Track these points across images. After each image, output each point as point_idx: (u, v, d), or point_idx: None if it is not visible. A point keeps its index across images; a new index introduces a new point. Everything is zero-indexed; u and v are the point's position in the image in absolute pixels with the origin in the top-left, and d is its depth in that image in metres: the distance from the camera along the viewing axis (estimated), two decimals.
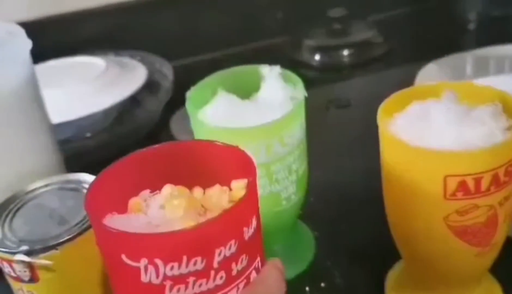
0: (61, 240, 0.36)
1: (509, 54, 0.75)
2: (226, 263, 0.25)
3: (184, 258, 0.24)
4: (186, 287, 0.25)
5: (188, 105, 0.42)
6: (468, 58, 0.76)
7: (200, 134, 0.42)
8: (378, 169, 0.39)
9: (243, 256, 0.26)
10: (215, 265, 0.25)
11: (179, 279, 0.25)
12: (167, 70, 0.76)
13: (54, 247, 0.36)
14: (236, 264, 0.26)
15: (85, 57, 0.75)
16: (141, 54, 0.81)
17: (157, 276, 0.25)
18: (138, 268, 0.25)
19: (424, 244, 0.37)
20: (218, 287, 0.26)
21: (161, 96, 0.71)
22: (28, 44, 0.49)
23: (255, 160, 0.29)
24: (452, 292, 0.40)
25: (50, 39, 0.79)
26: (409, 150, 0.33)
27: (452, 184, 0.33)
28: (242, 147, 0.39)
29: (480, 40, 0.84)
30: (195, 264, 0.25)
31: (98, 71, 0.70)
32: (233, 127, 0.39)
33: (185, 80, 0.79)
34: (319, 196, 0.54)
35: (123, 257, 0.25)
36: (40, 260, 0.36)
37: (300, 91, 0.42)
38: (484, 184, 0.33)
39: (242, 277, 0.27)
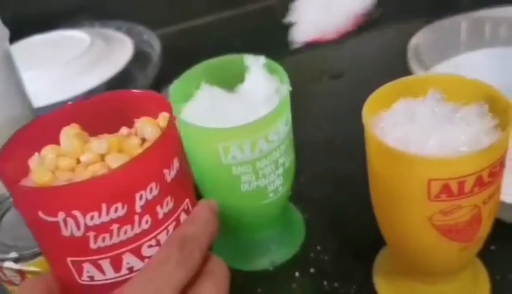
0: None
1: (505, 17, 0.73)
2: (149, 207, 0.25)
3: (103, 206, 0.24)
4: (111, 236, 0.24)
5: (172, 100, 0.41)
6: (463, 22, 0.74)
7: (183, 132, 0.41)
8: None
9: (168, 198, 0.26)
10: (138, 209, 0.24)
11: (101, 228, 0.24)
12: (154, 42, 0.74)
13: (41, 253, 0.36)
14: (161, 207, 0.25)
15: (68, 32, 0.73)
16: (128, 25, 0.79)
17: (78, 228, 0.24)
18: (57, 223, 0.24)
19: (408, 239, 0.37)
20: (146, 232, 0.25)
21: (149, 71, 0.70)
22: (5, 33, 0.47)
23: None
24: (436, 280, 0.41)
25: (29, 12, 0.77)
26: (393, 154, 0.33)
27: (436, 187, 0.33)
28: (226, 146, 0.39)
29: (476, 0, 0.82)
30: (116, 210, 0.24)
31: (83, 48, 0.68)
32: (217, 127, 0.39)
33: (173, 49, 0.78)
34: (309, 176, 0.54)
35: (40, 214, 0.24)
36: (29, 267, 0.36)
37: (284, 85, 0.41)
38: (467, 186, 0.33)
39: (171, 220, 0.26)
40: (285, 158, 0.42)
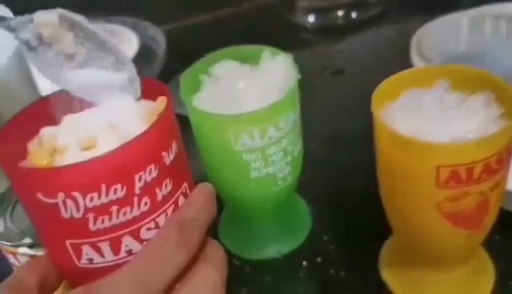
0: None
1: (506, 13, 0.74)
2: (148, 189, 0.25)
3: (103, 187, 0.24)
4: (110, 217, 0.24)
5: (182, 89, 0.42)
6: (464, 18, 0.75)
7: (195, 119, 0.42)
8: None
9: (167, 181, 0.26)
10: (137, 191, 0.24)
11: (101, 210, 0.24)
12: (159, 38, 0.75)
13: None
14: (160, 189, 0.26)
15: None
16: (133, 20, 0.80)
17: (78, 210, 0.24)
18: (57, 205, 0.24)
19: (416, 227, 0.38)
20: (145, 214, 0.25)
21: (154, 66, 0.71)
22: None
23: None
24: (442, 268, 0.42)
25: (34, 7, 0.78)
26: (402, 141, 0.34)
27: (445, 173, 0.33)
28: (236, 132, 0.40)
29: None
30: (115, 192, 0.24)
31: None
32: (228, 114, 0.39)
33: (178, 46, 0.78)
34: (315, 168, 0.55)
35: (39, 195, 0.24)
36: (38, 255, 0.37)
37: (294, 73, 0.42)
38: (475, 173, 0.33)
39: (169, 203, 0.26)
40: (294, 146, 0.43)
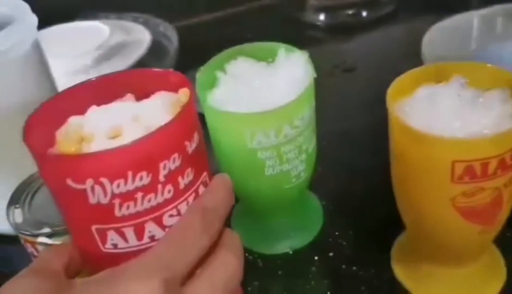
0: None
1: None
2: (172, 177, 0.26)
3: (130, 173, 0.25)
4: (135, 203, 0.25)
5: (197, 86, 0.42)
6: (475, 18, 0.75)
7: (210, 117, 0.42)
8: (386, 138, 0.39)
9: (189, 169, 0.27)
10: (161, 179, 0.25)
11: (127, 196, 0.25)
12: (171, 34, 0.75)
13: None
14: (183, 177, 0.26)
15: (87, 22, 0.74)
16: (144, 17, 0.80)
17: (105, 195, 0.25)
18: (85, 190, 0.25)
19: (429, 222, 0.38)
20: (168, 201, 0.26)
21: (166, 62, 0.71)
22: (34, 20, 0.48)
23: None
24: (455, 263, 0.42)
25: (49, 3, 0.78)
26: (418, 136, 0.34)
27: (460, 168, 0.34)
28: (252, 130, 0.40)
29: None
30: (141, 179, 0.25)
31: (103, 38, 0.69)
32: (244, 112, 0.40)
33: (189, 43, 0.79)
34: (327, 165, 0.56)
35: (69, 181, 0.25)
36: (62, 242, 0.37)
37: (309, 71, 0.42)
38: (490, 168, 0.34)
39: (191, 191, 0.27)
40: (308, 144, 0.43)
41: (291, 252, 0.48)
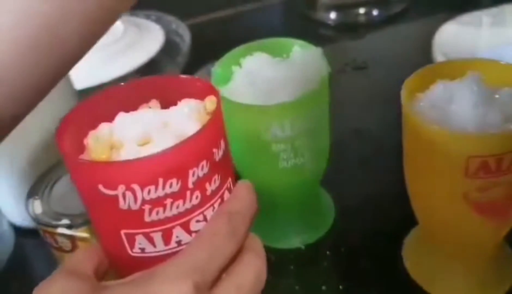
0: None
1: None
2: (200, 183, 0.27)
3: (160, 180, 0.25)
4: (164, 209, 0.26)
5: (213, 80, 0.43)
6: (486, 16, 0.75)
7: (225, 108, 0.42)
8: (397, 134, 0.39)
9: (216, 176, 0.27)
10: (190, 185, 0.26)
11: (157, 202, 0.26)
12: (183, 32, 0.76)
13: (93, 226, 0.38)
14: (210, 184, 0.27)
15: None
16: (157, 14, 0.81)
17: (136, 201, 0.25)
18: (116, 196, 0.25)
19: (442, 217, 0.39)
20: (195, 207, 0.27)
21: (179, 60, 0.72)
22: None
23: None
24: (467, 259, 0.43)
25: None
26: (433, 132, 0.34)
27: (474, 164, 0.34)
28: (267, 123, 0.41)
29: None
30: (171, 186, 0.25)
31: (117, 34, 0.70)
32: (259, 105, 0.40)
33: (201, 40, 0.80)
34: (339, 162, 0.56)
35: (100, 187, 0.25)
36: (81, 233, 0.38)
37: (324, 66, 0.43)
38: (505, 164, 0.34)
39: (217, 197, 0.28)
40: (322, 138, 0.44)
41: (303, 247, 0.49)
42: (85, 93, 0.60)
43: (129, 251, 0.27)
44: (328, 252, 0.48)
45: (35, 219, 0.39)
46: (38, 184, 0.41)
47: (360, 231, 0.50)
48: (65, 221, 0.38)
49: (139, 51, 0.69)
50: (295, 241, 0.49)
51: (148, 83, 0.32)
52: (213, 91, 0.30)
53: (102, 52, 0.67)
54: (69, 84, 0.52)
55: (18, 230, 0.53)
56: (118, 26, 0.72)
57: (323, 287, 0.46)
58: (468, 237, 0.40)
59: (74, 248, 0.39)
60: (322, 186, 0.53)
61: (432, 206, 0.39)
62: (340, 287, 0.46)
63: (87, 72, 0.62)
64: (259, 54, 0.44)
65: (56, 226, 0.38)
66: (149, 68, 0.69)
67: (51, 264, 0.43)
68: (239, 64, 0.45)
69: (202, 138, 0.26)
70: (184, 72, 0.72)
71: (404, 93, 0.37)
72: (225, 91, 0.43)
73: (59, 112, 0.52)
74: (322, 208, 0.52)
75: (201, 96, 0.30)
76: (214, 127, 0.28)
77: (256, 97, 0.42)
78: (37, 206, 0.40)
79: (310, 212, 0.51)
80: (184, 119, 0.29)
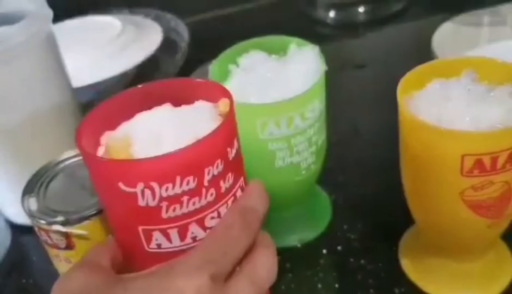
0: (94, 211, 0.38)
1: None
2: (215, 181, 0.28)
3: (178, 178, 0.26)
4: (181, 206, 0.27)
5: (210, 78, 0.43)
6: (485, 16, 0.75)
7: None
8: (394, 134, 0.40)
9: (229, 174, 0.29)
10: (206, 183, 0.27)
11: (174, 199, 0.27)
12: (182, 30, 0.76)
13: (88, 217, 0.38)
14: (224, 181, 0.28)
15: (100, 17, 0.75)
16: (156, 12, 0.81)
17: (154, 199, 0.26)
18: (135, 193, 0.26)
19: (438, 215, 0.39)
20: (210, 204, 0.28)
21: (177, 58, 0.72)
22: (49, 13, 0.49)
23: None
24: (463, 258, 0.42)
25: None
26: (428, 130, 0.34)
27: (469, 162, 0.34)
28: (263, 121, 0.41)
29: None
30: (187, 183, 0.27)
31: (115, 33, 0.70)
32: (256, 103, 0.40)
33: (200, 38, 0.80)
34: (336, 160, 0.56)
35: (120, 184, 0.26)
36: (76, 230, 0.38)
37: (321, 63, 0.43)
38: (500, 162, 0.34)
39: (230, 194, 0.29)
40: (318, 137, 0.44)
41: (299, 245, 0.49)
42: (83, 91, 0.60)
43: (146, 247, 0.28)
44: (324, 251, 0.48)
45: (30, 216, 0.39)
46: (33, 181, 0.41)
47: (357, 230, 0.50)
48: (60, 218, 0.38)
49: (137, 49, 0.69)
50: (291, 239, 0.49)
51: (163, 86, 0.33)
52: (226, 94, 0.31)
53: (101, 50, 0.67)
54: (67, 81, 0.52)
55: (15, 227, 0.54)
56: (116, 24, 0.72)
57: (319, 286, 0.46)
58: (465, 236, 0.40)
59: (69, 245, 0.39)
60: (319, 185, 0.53)
61: (428, 205, 0.39)
62: (336, 285, 0.46)
63: (85, 70, 0.63)
64: (255, 52, 0.44)
65: (51, 223, 0.38)
66: (148, 66, 0.69)
67: (48, 261, 0.43)
68: (236, 63, 0.45)
69: (217, 138, 0.27)
70: (182, 70, 0.72)
71: (399, 92, 0.37)
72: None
73: (55, 108, 0.52)
74: (319, 206, 0.52)
75: (214, 99, 0.31)
76: (229, 127, 0.29)
77: (253, 96, 0.42)
78: (32, 203, 0.39)
79: (307, 210, 0.51)
80: (197, 119, 0.30)
